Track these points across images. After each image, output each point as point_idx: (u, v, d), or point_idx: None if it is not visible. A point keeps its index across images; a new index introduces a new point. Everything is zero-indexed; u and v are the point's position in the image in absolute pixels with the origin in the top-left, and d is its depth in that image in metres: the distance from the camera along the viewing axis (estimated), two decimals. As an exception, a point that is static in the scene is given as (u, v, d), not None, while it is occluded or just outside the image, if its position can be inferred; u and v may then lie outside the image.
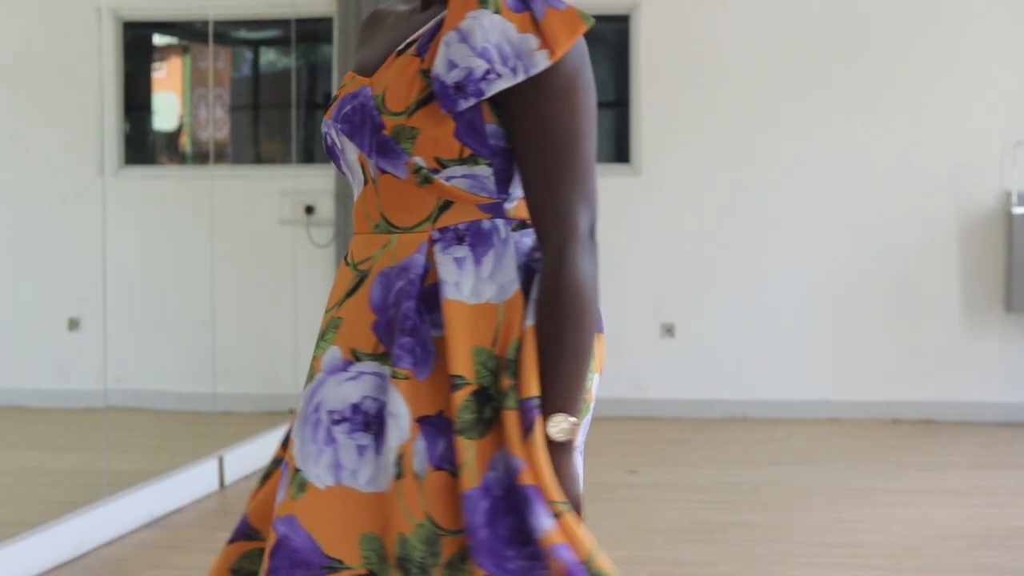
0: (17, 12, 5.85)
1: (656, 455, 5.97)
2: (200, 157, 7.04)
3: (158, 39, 7.24)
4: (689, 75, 6.85)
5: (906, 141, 6.72)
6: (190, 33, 7.01)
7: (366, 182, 1.78)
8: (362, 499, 1.70)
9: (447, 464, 1.68)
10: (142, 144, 7.00)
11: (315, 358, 1.77)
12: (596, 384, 1.82)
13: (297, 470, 1.73)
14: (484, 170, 1.73)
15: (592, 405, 1.81)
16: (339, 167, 1.84)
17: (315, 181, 6.81)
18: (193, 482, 5.14)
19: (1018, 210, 6.53)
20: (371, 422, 1.72)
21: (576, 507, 1.70)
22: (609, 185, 6.89)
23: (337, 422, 1.72)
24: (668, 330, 6.89)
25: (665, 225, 6.88)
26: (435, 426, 1.69)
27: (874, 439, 6.32)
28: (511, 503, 1.66)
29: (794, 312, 6.80)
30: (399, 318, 1.71)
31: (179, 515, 4.92)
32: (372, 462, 1.71)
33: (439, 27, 1.74)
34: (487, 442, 1.68)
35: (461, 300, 1.71)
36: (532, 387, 1.68)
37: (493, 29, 1.68)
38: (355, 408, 1.72)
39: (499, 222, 1.75)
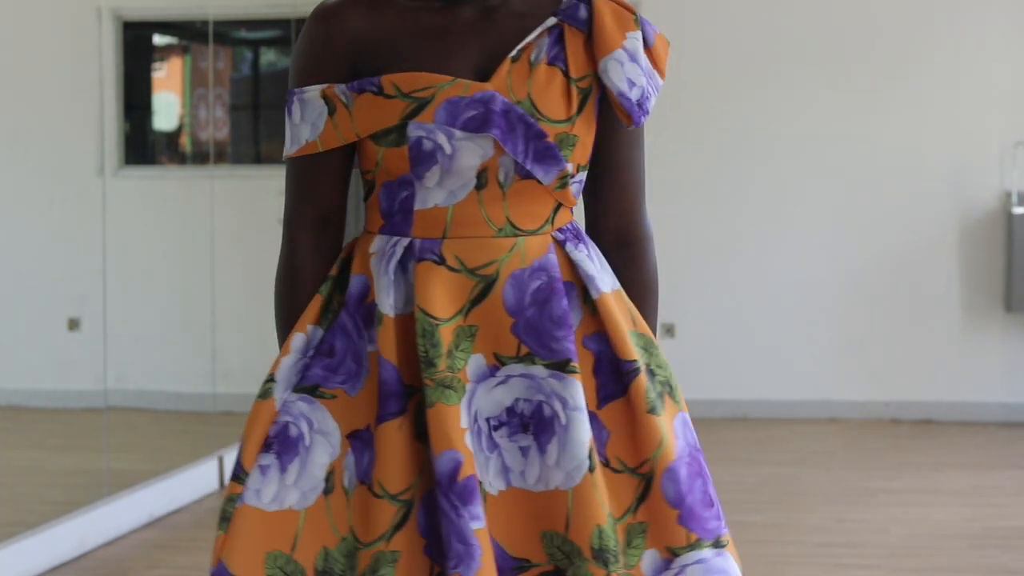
0: (17, 12, 5.84)
1: (656, 455, 5.96)
2: (200, 157, 7.04)
3: (158, 39, 7.24)
4: (688, 75, 6.85)
5: (906, 141, 6.72)
6: (190, 33, 7.01)
7: (482, 186, 1.77)
8: (536, 499, 1.75)
9: (602, 454, 1.79)
10: (142, 144, 6.99)
11: (452, 370, 1.75)
12: None
13: (479, 481, 1.77)
14: (584, 176, 1.85)
15: None
16: (418, 172, 1.78)
17: (315, 181, 6.80)
18: (193, 482, 5.14)
19: (1018, 210, 6.53)
20: (527, 423, 1.76)
21: None
22: (609, 185, 6.89)
23: (496, 427, 1.76)
24: (668, 330, 6.89)
25: (664, 225, 6.87)
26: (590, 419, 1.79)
27: (874, 439, 6.32)
28: (695, 467, 1.81)
29: (794, 312, 6.79)
30: (554, 316, 1.77)
31: (179, 515, 4.92)
32: (537, 461, 1.76)
33: (560, 34, 1.79)
34: (667, 415, 1.81)
35: (607, 292, 1.82)
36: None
37: (641, 50, 1.82)
38: (510, 411, 1.76)
39: (576, 223, 1.88)
